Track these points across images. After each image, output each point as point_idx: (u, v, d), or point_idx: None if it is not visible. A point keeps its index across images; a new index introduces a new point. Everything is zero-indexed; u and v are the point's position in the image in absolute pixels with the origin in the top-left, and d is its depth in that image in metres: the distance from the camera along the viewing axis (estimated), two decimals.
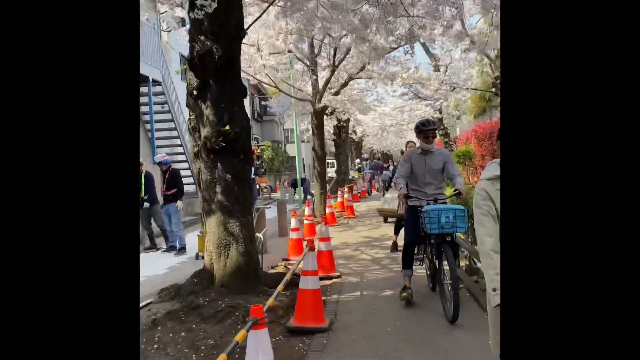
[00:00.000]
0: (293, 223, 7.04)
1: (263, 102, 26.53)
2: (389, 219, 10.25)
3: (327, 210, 10.84)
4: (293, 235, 6.96)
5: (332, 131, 17.62)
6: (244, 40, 9.88)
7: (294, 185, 16.56)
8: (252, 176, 13.21)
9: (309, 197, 15.61)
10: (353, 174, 22.19)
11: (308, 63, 10.93)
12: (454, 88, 10.02)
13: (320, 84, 10.79)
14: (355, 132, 23.12)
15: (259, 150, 23.12)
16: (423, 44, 15.28)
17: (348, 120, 16.83)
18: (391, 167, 17.42)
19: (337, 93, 11.00)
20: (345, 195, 13.30)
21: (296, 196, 15.92)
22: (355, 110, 15.49)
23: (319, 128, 11.18)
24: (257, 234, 6.09)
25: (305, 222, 8.81)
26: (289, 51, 10.63)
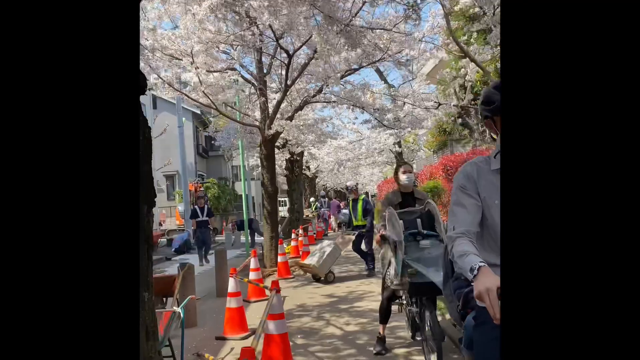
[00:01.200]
0: (231, 285, 5.07)
1: (206, 133, 24.40)
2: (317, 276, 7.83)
3: (279, 259, 8.91)
4: (232, 302, 4.96)
5: (283, 166, 15.82)
6: (171, 49, 7.99)
7: (240, 226, 14.44)
8: (205, 217, 11.10)
9: (257, 239, 13.56)
10: (307, 212, 20.43)
11: (256, 83, 9.24)
12: (439, 105, 8.58)
13: (270, 107, 9.09)
14: (309, 167, 21.45)
15: (202, 188, 21.01)
16: (377, 70, 13.99)
17: (302, 153, 15.12)
18: None
19: (290, 118, 9.31)
20: (301, 239, 11.40)
21: (243, 238, 13.83)
22: (309, 143, 13.88)
23: (268, 159, 9.38)
24: (174, 308, 4.08)
25: (252, 275, 6.86)
26: (232, 68, 8.93)
